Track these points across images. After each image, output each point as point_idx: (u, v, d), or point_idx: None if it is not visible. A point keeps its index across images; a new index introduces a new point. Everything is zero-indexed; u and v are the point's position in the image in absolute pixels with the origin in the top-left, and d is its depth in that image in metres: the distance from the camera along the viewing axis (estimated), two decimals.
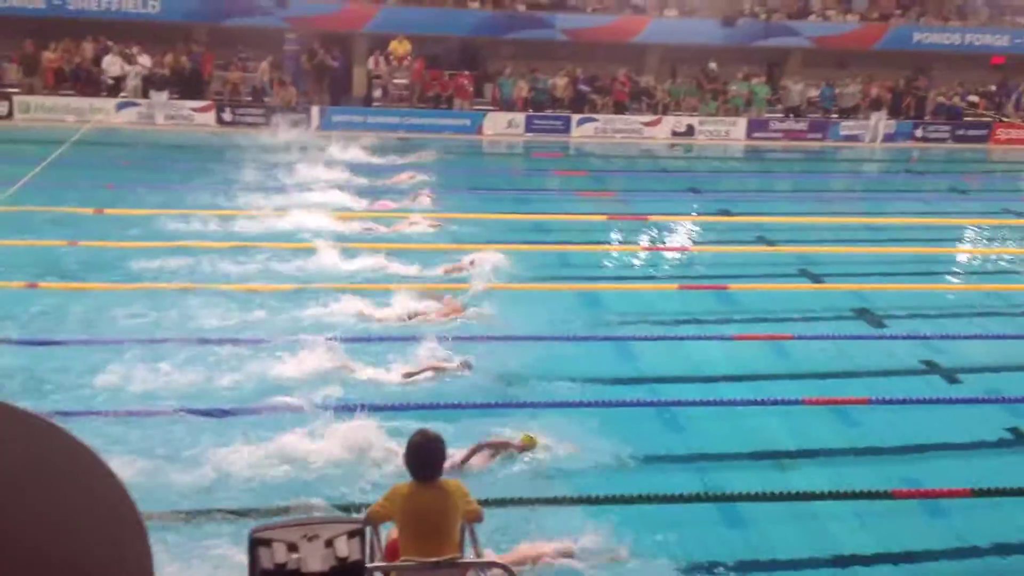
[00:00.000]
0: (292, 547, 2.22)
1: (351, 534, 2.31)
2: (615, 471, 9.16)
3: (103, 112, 27.81)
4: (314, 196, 19.42)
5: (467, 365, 11.26)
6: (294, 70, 30.04)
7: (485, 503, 6.65)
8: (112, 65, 28.68)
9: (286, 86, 29.25)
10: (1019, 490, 9.19)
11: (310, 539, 2.22)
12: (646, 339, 12.84)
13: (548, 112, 30.68)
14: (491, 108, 30.65)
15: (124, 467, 8.46)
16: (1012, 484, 9.27)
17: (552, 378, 11.23)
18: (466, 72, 31.04)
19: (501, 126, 30.10)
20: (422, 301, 13.23)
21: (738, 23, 32.26)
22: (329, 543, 2.23)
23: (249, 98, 29.62)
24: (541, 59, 31.44)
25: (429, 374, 11.09)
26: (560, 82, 30.92)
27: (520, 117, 30.15)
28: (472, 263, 15.05)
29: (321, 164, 22.23)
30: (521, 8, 31.86)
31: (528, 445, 9.29)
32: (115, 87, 28.59)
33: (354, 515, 6.50)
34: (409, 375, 11.05)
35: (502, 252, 15.61)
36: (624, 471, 9.17)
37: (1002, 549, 8.38)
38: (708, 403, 10.94)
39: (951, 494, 9.08)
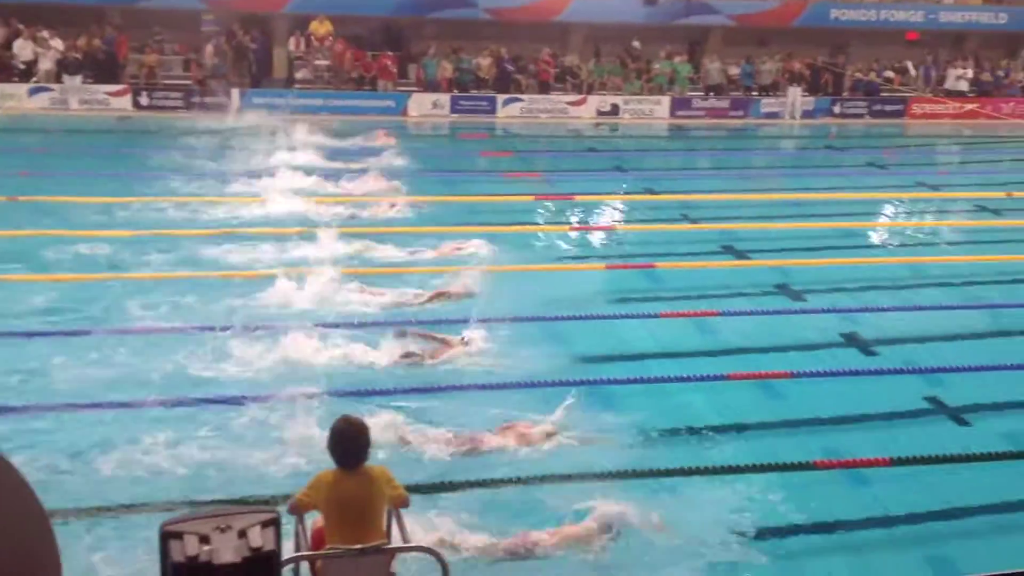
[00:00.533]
0: (204, 539, 2.15)
1: (265, 524, 2.25)
2: (545, 451, 9.19)
3: (15, 98, 27.07)
4: (235, 183, 19.12)
5: (464, 342, 11.31)
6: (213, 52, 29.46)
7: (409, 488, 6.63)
8: (23, 49, 27.88)
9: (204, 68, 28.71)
10: (936, 458, 9.44)
11: (223, 530, 2.15)
12: (574, 319, 12.90)
13: (473, 92, 30.57)
14: (415, 89, 30.45)
15: (52, 461, 8.33)
16: (929, 452, 9.52)
17: (480, 359, 11.22)
18: (389, 53, 30.77)
19: (427, 107, 29.93)
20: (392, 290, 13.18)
21: (659, 2, 32.44)
22: (242, 534, 2.17)
23: (167, 81, 29.05)
24: (465, 39, 31.30)
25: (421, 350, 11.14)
26: (484, 62, 30.81)
27: (445, 98, 30.01)
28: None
29: (241, 147, 21.86)
30: None
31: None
32: (27, 72, 27.81)
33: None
34: (408, 355, 11.11)
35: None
36: (553, 450, 9.21)
37: (921, 516, 8.58)
38: (636, 381, 11.05)
39: (871, 463, 9.29)
